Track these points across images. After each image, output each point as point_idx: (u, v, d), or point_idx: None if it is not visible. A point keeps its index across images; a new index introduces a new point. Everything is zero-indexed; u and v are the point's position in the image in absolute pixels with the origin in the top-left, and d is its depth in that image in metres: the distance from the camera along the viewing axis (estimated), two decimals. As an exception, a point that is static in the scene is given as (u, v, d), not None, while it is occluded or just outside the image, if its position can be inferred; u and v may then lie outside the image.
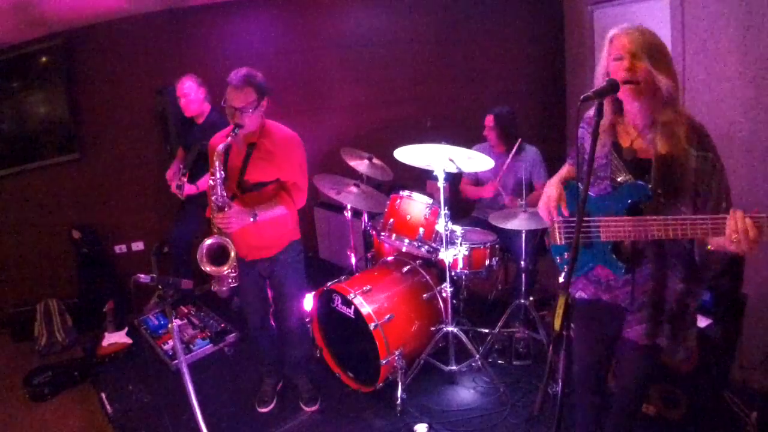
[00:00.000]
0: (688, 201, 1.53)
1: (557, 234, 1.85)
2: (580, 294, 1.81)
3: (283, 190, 2.35)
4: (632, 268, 1.65)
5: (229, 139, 2.15)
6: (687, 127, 1.52)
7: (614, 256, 1.64)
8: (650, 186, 1.54)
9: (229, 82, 2.20)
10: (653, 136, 1.55)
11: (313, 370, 2.88)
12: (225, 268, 2.18)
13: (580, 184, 1.80)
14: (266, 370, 2.81)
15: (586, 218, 1.69)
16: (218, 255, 2.19)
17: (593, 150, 1.43)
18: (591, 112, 1.65)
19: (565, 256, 1.84)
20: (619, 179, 1.63)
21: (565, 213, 1.76)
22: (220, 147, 2.14)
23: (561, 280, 1.91)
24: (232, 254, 2.17)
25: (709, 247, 1.50)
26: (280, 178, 2.35)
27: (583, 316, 1.86)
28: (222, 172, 2.16)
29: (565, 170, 1.93)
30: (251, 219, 2.20)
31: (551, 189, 1.82)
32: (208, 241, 2.16)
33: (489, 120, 3.29)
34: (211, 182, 2.17)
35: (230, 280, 2.26)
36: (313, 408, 2.69)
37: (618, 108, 1.63)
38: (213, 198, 2.16)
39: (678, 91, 1.55)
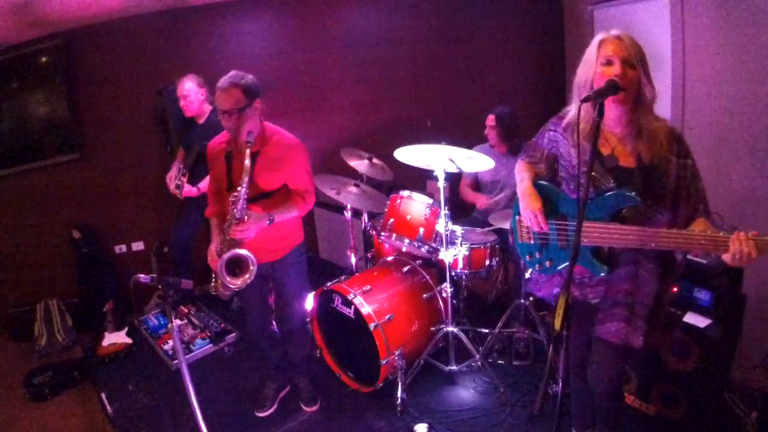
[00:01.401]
0: (667, 206, 1.56)
1: (524, 233, 1.88)
2: (556, 290, 1.84)
3: (294, 193, 2.35)
4: (613, 269, 1.68)
5: (248, 153, 2.10)
6: (667, 135, 1.55)
7: (594, 258, 1.67)
8: (637, 197, 1.56)
9: (216, 87, 2.18)
10: (636, 144, 1.58)
11: (314, 371, 2.87)
12: (247, 277, 2.16)
13: (550, 183, 1.82)
14: (269, 375, 2.79)
15: (564, 222, 1.74)
16: (235, 265, 2.18)
17: (593, 152, 1.44)
18: (567, 119, 1.70)
19: (536, 255, 1.87)
20: (603, 186, 1.64)
21: (546, 229, 1.78)
22: (247, 163, 2.10)
23: (527, 276, 1.96)
24: (252, 267, 2.15)
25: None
26: (289, 186, 2.34)
27: None
28: (247, 189, 2.13)
29: (527, 170, 1.92)
30: (268, 223, 2.20)
31: (534, 202, 1.80)
32: (230, 253, 2.13)
33: (490, 120, 3.29)
34: (233, 198, 2.13)
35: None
36: (313, 408, 2.68)
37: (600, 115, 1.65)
38: (233, 211, 2.13)
39: (655, 98, 1.58)
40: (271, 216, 2.21)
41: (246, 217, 2.14)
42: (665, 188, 1.55)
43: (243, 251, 2.15)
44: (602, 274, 1.67)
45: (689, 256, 2.24)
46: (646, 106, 1.55)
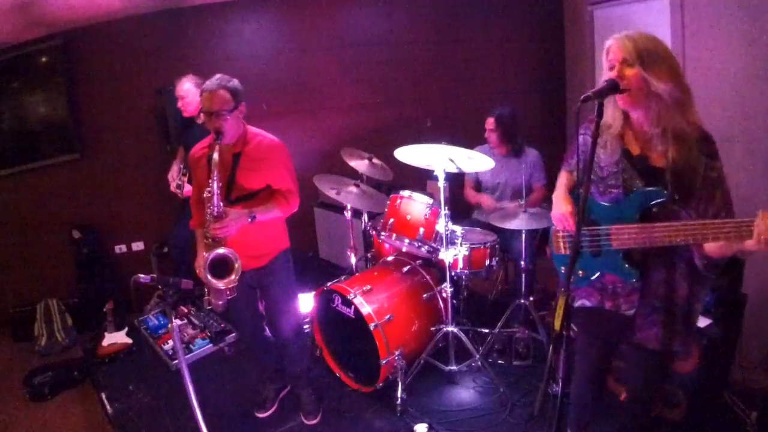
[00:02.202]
0: (695, 207, 1.53)
1: (561, 244, 1.84)
2: (583, 302, 1.78)
3: (277, 193, 2.32)
4: (644, 274, 1.64)
5: (217, 147, 2.10)
6: (698, 136, 1.52)
7: (626, 263, 1.63)
8: (665, 191, 1.53)
9: (202, 89, 2.19)
10: (666, 145, 1.54)
11: (315, 382, 2.80)
12: (233, 277, 2.12)
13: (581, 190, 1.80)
14: (268, 377, 2.77)
15: (595, 227, 1.68)
16: (220, 267, 2.14)
17: (592, 152, 1.43)
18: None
19: None
20: (632, 187, 1.61)
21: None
22: (215, 156, 2.09)
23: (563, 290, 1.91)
24: (237, 264, 2.12)
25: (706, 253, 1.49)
26: (272, 186, 2.32)
27: (586, 324, 1.85)
28: (219, 183, 2.11)
29: (565, 179, 1.91)
30: (249, 220, 2.16)
31: (564, 205, 1.78)
32: (212, 254, 2.10)
33: (490, 122, 3.28)
34: (206, 194, 2.10)
35: (227, 293, 2.20)
36: (313, 422, 2.62)
37: (625, 116, 1.62)
38: (209, 210, 2.11)
39: (687, 95, 1.52)
40: (252, 213, 2.17)
41: (225, 215, 2.11)
42: (694, 188, 1.52)
43: (223, 249, 2.11)
44: (633, 280, 1.63)
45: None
46: (670, 105, 1.50)
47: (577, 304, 1.79)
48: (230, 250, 2.12)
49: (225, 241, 2.14)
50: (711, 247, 1.46)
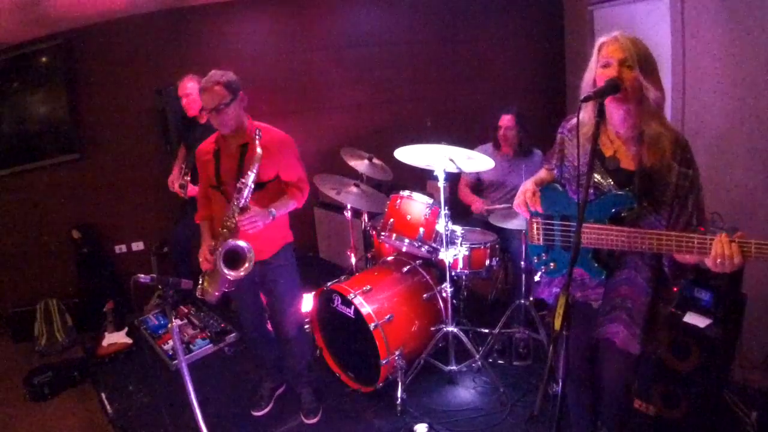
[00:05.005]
0: (664, 213, 1.55)
1: (536, 234, 1.87)
2: (556, 290, 1.84)
3: (288, 186, 2.36)
4: (611, 273, 1.67)
5: (257, 141, 2.15)
6: (672, 142, 1.53)
7: (594, 261, 1.66)
8: (633, 197, 1.55)
9: (199, 89, 2.22)
10: (638, 148, 1.56)
11: (317, 381, 2.79)
12: (242, 270, 2.15)
13: (558, 185, 1.81)
14: (266, 374, 2.78)
15: (567, 223, 1.73)
16: (232, 259, 2.17)
17: (593, 152, 1.43)
18: (573, 120, 1.66)
19: (543, 257, 1.86)
20: (603, 189, 1.64)
21: (539, 209, 1.78)
22: (259, 151, 2.13)
23: (537, 279, 1.94)
24: (249, 257, 2.15)
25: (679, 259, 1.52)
26: (282, 178, 2.34)
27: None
28: (254, 175, 2.15)
29: (542, 173, 1.94)
30: (270, 218, 2.22)
31: (527, 183, 1.83)
32: (228, 244, 2.14)
33: (508, 120, 3.21)
34: (239, 185, 2.15)
35: (227, 286, 2.24)
36: (313, 420, 2.62)
37: (601, 116, 1.63)
38: (236, 201, 2.15)
39: (664, 103, 1.56)
40: (271, 211, 2.23)
41: (248, 209, 2.16)
42: (664, 195, 1.54)
43: (240, 242, 2.14)
44: (601, 277, 1.66)
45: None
46: (650, 110, 1.52)
47: (555, 291, 1.85)
48: (245, 243, 2.15)
49: (239, 234, 2.17)
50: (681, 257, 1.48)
